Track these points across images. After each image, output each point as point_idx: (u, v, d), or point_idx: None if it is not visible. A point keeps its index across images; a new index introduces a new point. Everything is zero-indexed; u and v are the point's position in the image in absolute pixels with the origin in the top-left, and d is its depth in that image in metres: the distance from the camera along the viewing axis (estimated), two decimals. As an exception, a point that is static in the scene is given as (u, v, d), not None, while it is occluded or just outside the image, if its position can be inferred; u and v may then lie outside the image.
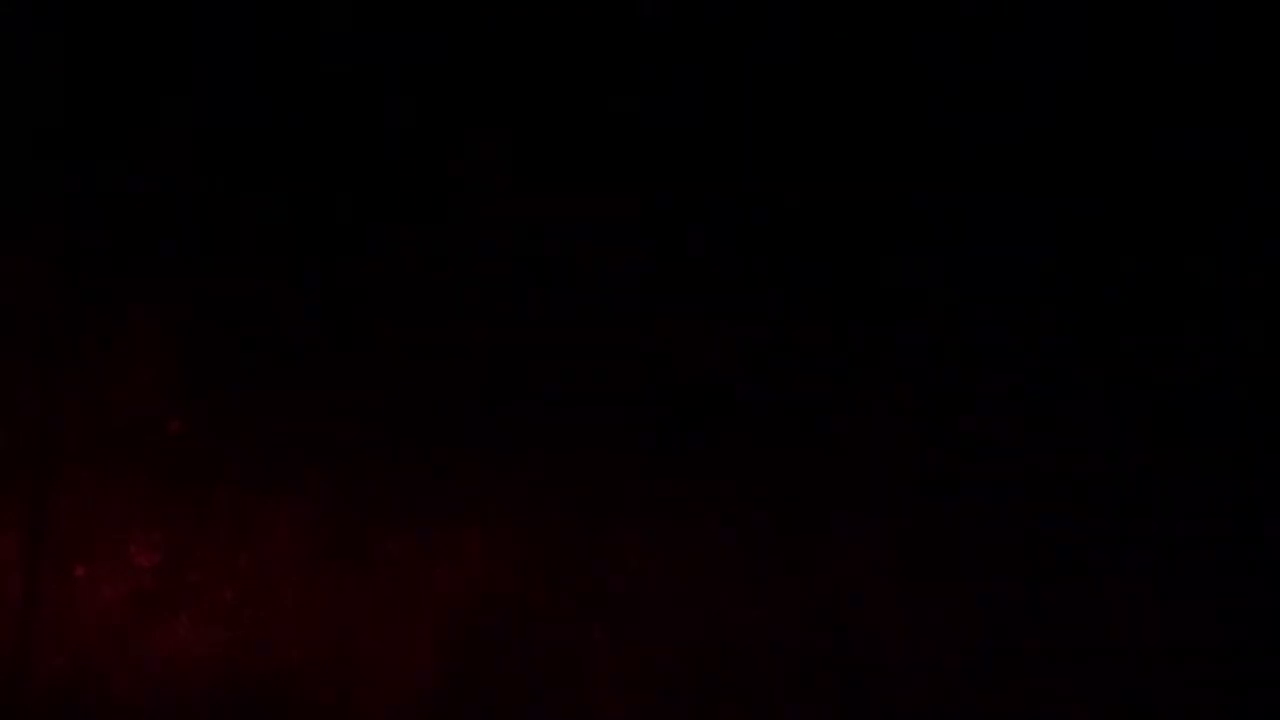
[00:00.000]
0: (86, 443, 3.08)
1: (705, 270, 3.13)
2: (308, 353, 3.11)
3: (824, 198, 3.13)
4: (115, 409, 3.09)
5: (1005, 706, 3.02)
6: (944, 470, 3.07)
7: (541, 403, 3.10)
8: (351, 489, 3.08)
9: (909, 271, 3.11)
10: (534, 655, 3.06)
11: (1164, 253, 3.11)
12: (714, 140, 3.16)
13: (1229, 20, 3.12)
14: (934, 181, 3.13)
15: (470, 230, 3.17)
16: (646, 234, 3.13)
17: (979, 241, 3.12)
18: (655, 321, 3.11)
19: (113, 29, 3.20)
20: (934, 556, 3.06)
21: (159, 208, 3.15)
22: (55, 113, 3.19)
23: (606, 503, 3.08)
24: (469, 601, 3.07)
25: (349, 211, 3.17)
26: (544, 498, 3.08)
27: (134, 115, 3.20)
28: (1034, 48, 3.15)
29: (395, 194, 3.18)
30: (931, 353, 3.09)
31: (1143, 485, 3.06)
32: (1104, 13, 3.14)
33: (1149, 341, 3.09)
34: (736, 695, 3.04)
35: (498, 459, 3.09)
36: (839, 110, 3.16)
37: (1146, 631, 3.03)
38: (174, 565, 3.07)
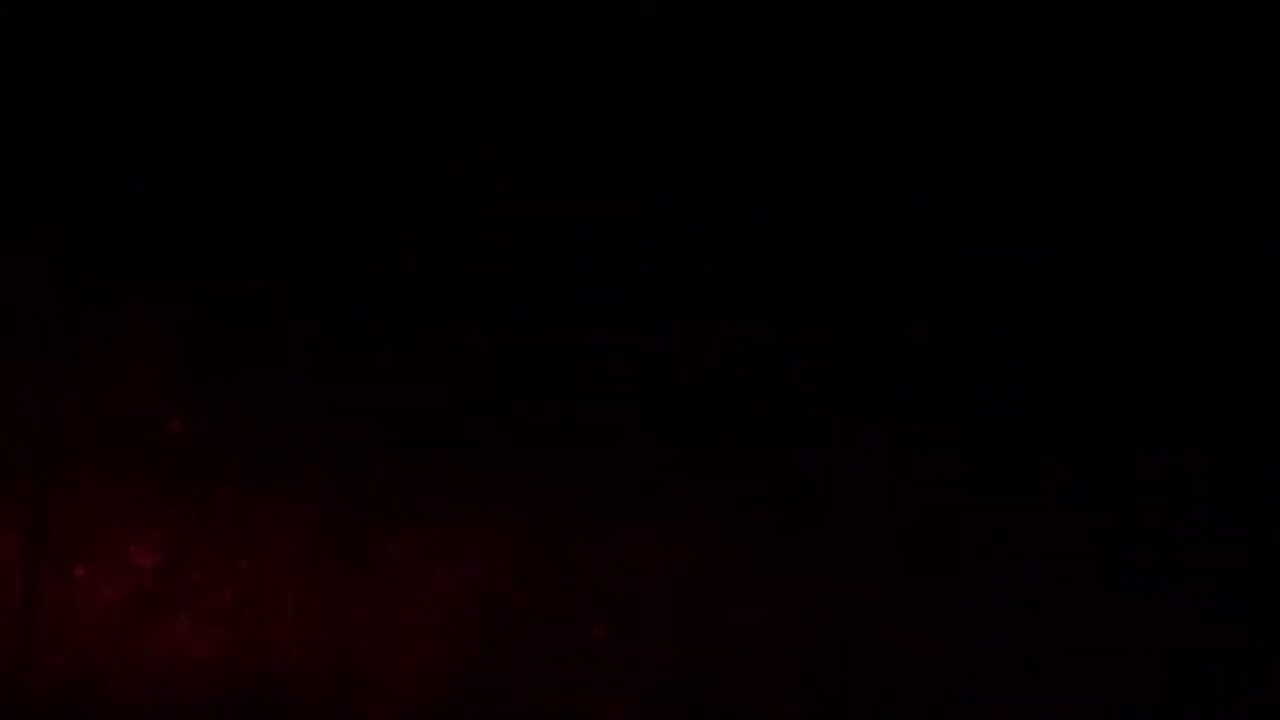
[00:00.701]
0: (86, 443, 3.08)
1: (705, 270, 3.12)
2: (308, 353, 3.11)
3: (824, 198, 3.13)
4: (115, 409, 3.09)
5: (1005, 706, 3.02)
6: (944, 470, 3.07)
7: (542, 403, 3.10)
8: (351, 489, 3.08)
9: (909, 271, 3.11)
10: (534, 655, 3.06)
11: (1164, 253, 3.10)
12: (714, 140, 3.15)
13: (1229, 20, 3.12)
14: (934, 181, 3.13)
15: (470, 230, 3.16)
16: (646, 234, 3.13)
17: (979, 241, 3.11)
18: (655, 321, 3.11)
19: (113, 29, 3.20)
20: (934, 556, 3.06)
21: (159, 208, 3.15)
22: (55, 113, 3.18)
23: (606, 503, 3.08)
24: (469, 601, 3.07)
25: (349, 211, 3.17)
26: (544, 498, 3.08)
27: (134, 115, 3.19)
28: (1034, 48, 3.15)
29: (395, 194, 3.18)
30: (932, 352, 3.09)
31: (1143, 484, 3.05)
32: (1104, 13, 3.14)
33: (1149, 341, 3.08)
34: (737, 695, 3.04)
35: (498, 459, 3.09)
36: (839, 110, 3.15)
37: (1148, 632, 3.03)
38: (174, 565, 3.07)
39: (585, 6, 3.17)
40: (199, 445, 3.08)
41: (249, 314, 3.12)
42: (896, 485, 3.07)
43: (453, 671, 3.05)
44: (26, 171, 3.16)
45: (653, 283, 3.12)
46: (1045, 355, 3.09)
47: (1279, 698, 3.00)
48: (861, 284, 3.12)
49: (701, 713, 3.04)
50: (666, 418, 3.09)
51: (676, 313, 3.11)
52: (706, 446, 3.08)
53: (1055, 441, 3.07)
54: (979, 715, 3.02)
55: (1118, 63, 3.14)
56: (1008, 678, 3.03)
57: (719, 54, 3.17)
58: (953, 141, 3.14)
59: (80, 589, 3.06)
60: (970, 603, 3.04)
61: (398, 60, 3.20)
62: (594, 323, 3.11)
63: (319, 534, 3.08)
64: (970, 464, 3.07)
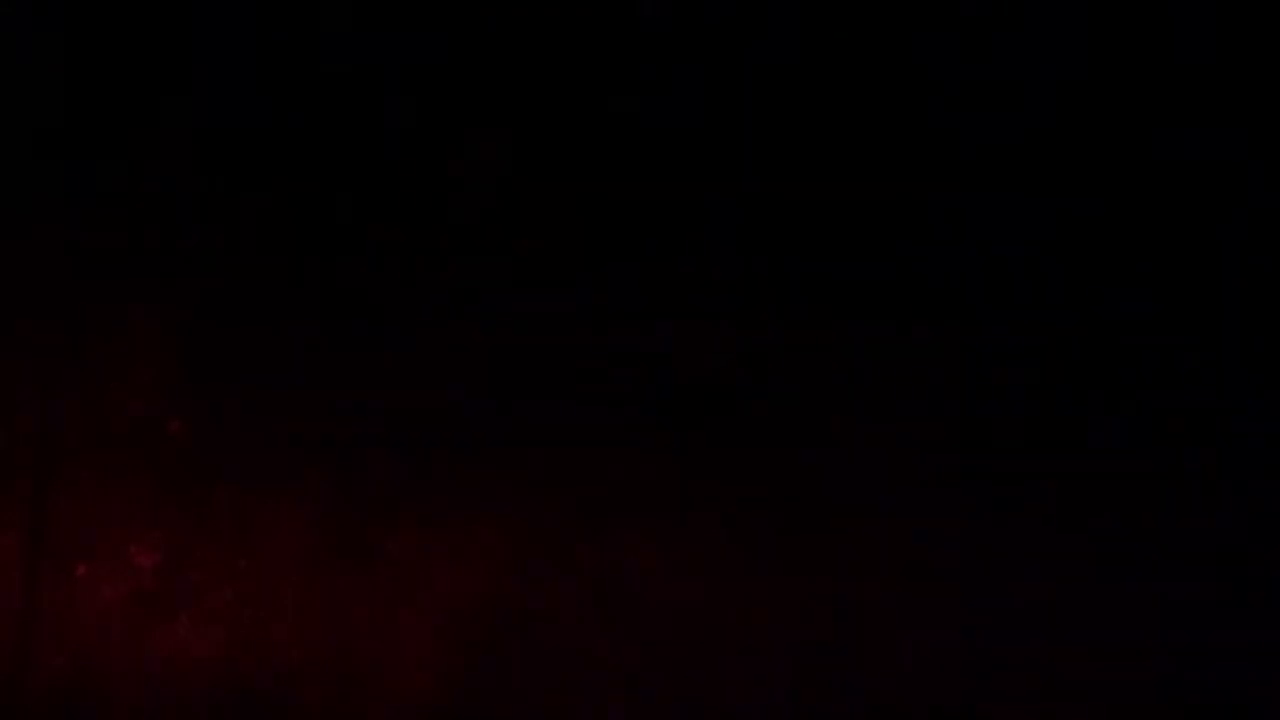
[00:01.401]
0: (86, 443, 3.08)
1: (705, 270, 3.12)
2: (308, 353, 3.11)
3: (824, 198, 3.13)
4: (115, 409, 3.09)
5: (1005, 705, 3.02)
6: (944, 470, 3.07)
7: (542, 403, 3.09)
8: (351, 489, 3.08)
9: (909, 271, 3.11)
10: (534, 655, 3.06)
11: (1164, 253, 3.10)
12: (714, 140, 3.15)
13: (1229, 20, 3.11)
14: (934, 181, 3.13)
15: (470, 230, 3.16)
16: (646, 234, 3.13)
17: (979, 241, 3.11)
18: (655, 321, 3.11)
19: (113, 29, 3.20)
20: (934, 556, 3.06)
21: (159, 208, 3.15)
22: (55, 113, 3.18)
23: (606, 503, 3.08)
24: (469, 601, 3.07)
25: (349, 211, 3.16)
26: (544, 498, 3.08)
27: (134, 115, 3.19)
28: (1034, 48, 3.15)
29: (395, 194, 3.17)
30: (932, 352, 3.09)
31: (1144, 483, 3.05)
32: (1104, 13, 3.14)
33: (1149, 341, 3.08)
34: (737, 694, 3.04)
35: (498, 459, 3.08)
36: (839, 110, 3.15)
37: (1151, 632, 3.03)
38: (174, 565, 3.07)
39: (585, 6, 3.17)
40: (199, 445, 3.08)
41: (249, 314, 3.11)
42: (896, 485, 3.07)
43: (453, 671, 3.05)
44: (26, 171, 3.15)
45: (653, 283, 3.12)
46: (1045, 355, 3.09)
47: (1279, 697, 3.00)
48: (861, 284, 3.12)
49: (701, 712, 3.04)
50: (666, 418, 3.09)
51: (676, 313, 3.11)
52: (706, 447, 3.08)
53: (1055, 441, 3.07)
54: (979, 714, 3.02)
55: (1118, 63, 3.14)
56: (1007, 677, 3.03)
57: (719, 54, 3.17)
58: (953, 141, 3.14)
59: (80, 589, 3.05)
60: (970, 602, 3.04)
61: (398, 60, 3.20)
62: (594, 323, 3.11)
63: (319, 534, 3.08)
64: (970, 464, 3.07)
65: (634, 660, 3.04)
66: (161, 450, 3.08)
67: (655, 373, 3.09)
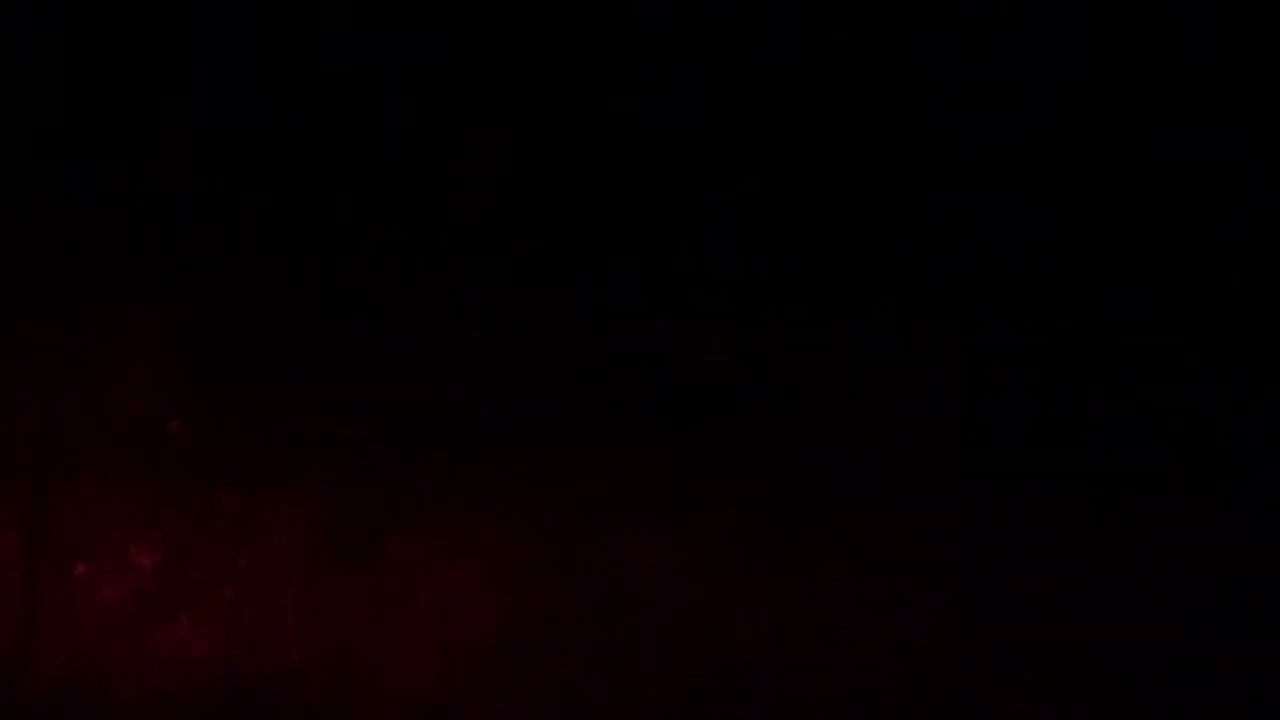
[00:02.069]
0: (86, 443, 3.08)
1: (705, 270, 3.12)
2: (308, 353, 3.11)
3: (824, 198, 3.13)
4: (115, 409, 3.09)
5: (1005, 703, 3.02)
6: (944, 470, 3.07)
7: (542, 403, 3.09)
8: (352, 489, 3.08)
9: (909, 271, 3.11)
10: (535, 655, 3.06)
11: (1164, 253, 3.10)
12: (714, 140, 3.15)
13: (1229, 20, 3.11)
14: (934, 181, 3.13)
15: (470, 230, 3.16)
16: (646, 234, 3.13)
17: (979, 241, 3.11)
18: (655, 321, 3.11)
19: (113, 29, 3.20)
20: (934, 556, 3.06)
21: (159, 208, 3.15)
22: (55, 113, 3.18)
23: (606, 503, 3.08)
24: (469, 602, 3.07)
25: (349, 211, 3.16)
26: (544, 498, 3.08)
27: (134, 115, 3.19)
28: (1034, 47, 3.15)
29: (395, 194, 3.17)
30: (932, 352, 3.09)
31: (1144, 483, 3.05)
32: (1104, 13, 3.14)
33: (1149, 341, 3.08)
34: (737, 693, 3.04)
35: (498, 459, 3.08)
36: (839, 110, 3.15)
37: (1152, 633, 3.03)
38: (174, 565, 3.07)
39: (585, 6, 3.17)
40: (199, 445, 3.08)
41: (249, 314, 3.11)
42: (896, 485, 3.07)
43: (453, 671, 3.05)
44: (26, 171, 3.15)
45: (653, 282, 3.12)
46: (1045, 355, 3.09)
47: (1278, 695, 3.00)
48: (861, 284, 3.12)
49: (703, 710, 3.04)
50: (666, 418, 3.09)
51: (676, 313, 3.11)
52: (706, 447, 3.08)
53: (1055, 441, 3.07)
54: (978, 712, 3.02)
55: (1118, 63, 3.14)
56: (1007, 677, 3.03)
57: (719, 54, 3.17)
58: (953, 141, 3.14)
59: (80, 588, 3.05)
60: (970, 601, 3.04)
61: (398, 60, 3.20)
62: (594, 323, 3.11)
63: (319, 534, 3.08)
64: (970, 464, 3.07)
65: (634, 660, 3.04)
66: (161, 450, 3.08)
67: (655, 373, 3.09)
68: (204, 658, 3.04)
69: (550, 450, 3.08)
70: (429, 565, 3.07)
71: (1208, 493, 3.05)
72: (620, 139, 3.16)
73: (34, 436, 3.08)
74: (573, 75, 3.18)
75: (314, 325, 3.11)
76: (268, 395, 3.09)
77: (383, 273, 3.14)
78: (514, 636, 3.06)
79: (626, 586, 3.06)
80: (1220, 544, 3.05)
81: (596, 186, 3.15)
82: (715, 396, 3.09)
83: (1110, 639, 3.03)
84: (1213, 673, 3.01)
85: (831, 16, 3.16)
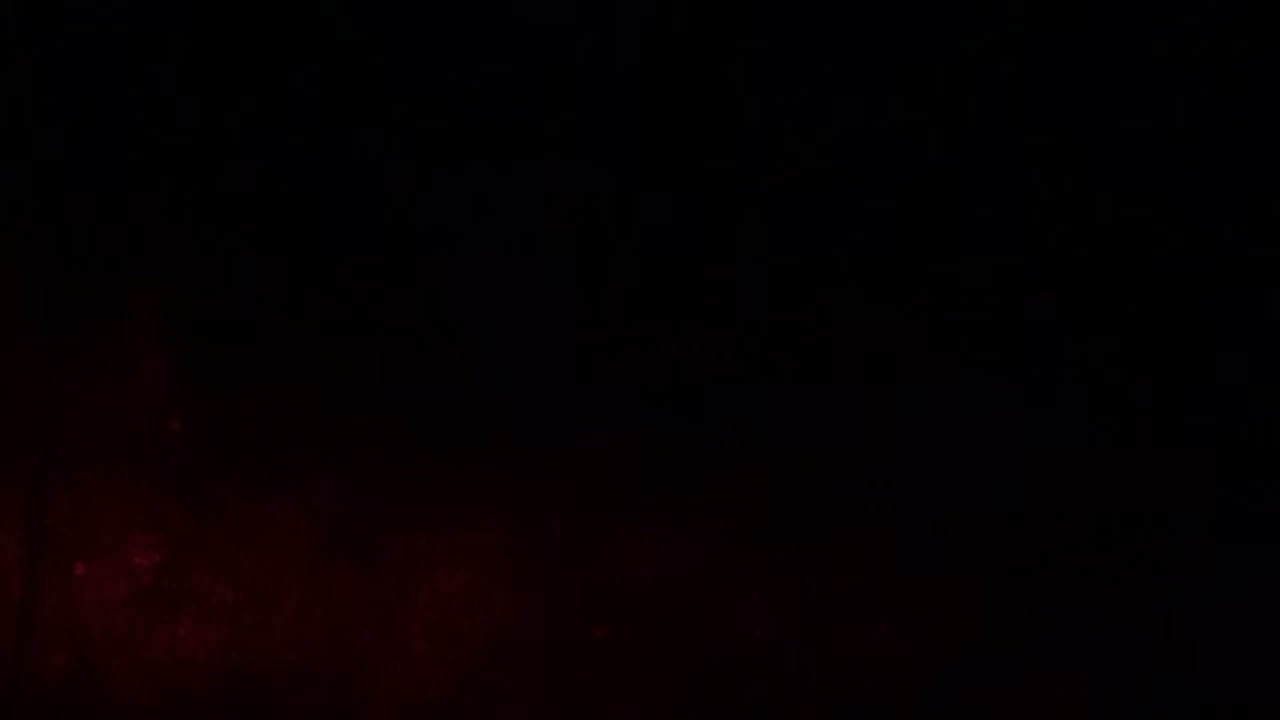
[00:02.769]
0: (86, 443, 3.08)
1: (703, 270, 3.12)
2: (308, 353, 3.11)
3: (823, 197, 3.13)
4: (115, 409, 3.09)
5: (1004, 707, 3.02)
6: (945, 471, 3.07)
7: (542, 403, 3.10)
8: (352, 489, 3.08)
9: (908, 269, 3.11)
10: (534, 656, 3.06)
11: (1164, 253, 3.11)
12: (709, 140, 3.15)
13: (1228, 19, 3.11)
14: (934, 181, 3.13)
15: (470, 229, 3.16)
16: (645, 233, 3.13)
17: (978, 241, 3.11)
18: (655, 322, 3.11)
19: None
20: (935, 557, 3.06)
21: (159, 207, 3.15)
22: (55, 112, 3.18)
23: (606, 503, 3.08)
24: (469, 602, 3.07)
25: (349, 211, 3.16)
26: (544, 498, 3.08)
27: (135, 114, 3.19)
28: (1033, 47, 3.14)
29: (395, 193, 3.17)
30: (932, 353, 3.09)
31: (1145, 485, 3.06)
32: (1104, 12, 3.14)
33: (1149, 341, 3.08)
34: (737, 694, 3.04)
35: (498, 459, 3.09)
36: (838, 110, 3.15)
37: (1152, 633, 3.03)
38: (174, 565, 3.07)
39: (580, 7, 3.17)
40: (199, 445, 3.08)
41: (249, 313, 3.11)
42: (897, 485, 3.07)
43: (453, 671, 3.05)
44: (25, 170, 3.15)
45: (652, 282, 3.12)
46: (1045, 355, 3.09)
47: (1278, 695, 3.01)
48: (861, 283, 3.12)
49: (702, 713, 3.04)
50: (666, 417, 3.09)
51: (675, 313, 3.11)
52: (706, 446, 3.08)
53: (1055, 441, 3.07)
54: (979, 713, 3.02)
55: (1117, 62, 3.14)
56: (1008, 677, 3.03)
57: (717, 53, 3.16)
58: (952, 141, 3.14)
59: (80, 588, 3.06)
60: (972, 604, 3.04)
61: (399, 61, 3.20)
62: (593, 322, 3.11)
63: (320, 534, 3.08)
64: (970, 464, 3.07)
65: (634, 660, 3.04)
66: (161, 450, 3.08)
67: (655, 373, 3.09)
68: (204, 658, 3.05)
69: (550, 450, 3.08)
70: (429, 565, 3.07)
71: (1208, 492, 3.05)
72: (620, 140, 3.16)
73: (34, 436, 3.08)
74: (566, 74, 3.18)
75: (314, 325, 3.11)
76: (268, 395, 3.09)
77: (383, 272, 3.13)
78: (513, 636, 3.06)
79: (624, 586, 3.06)
80: (1221, 544, 3.05)
81: (596, 186, 3.15)
82: (715, 396, 3.09)
83: (1111, 640, 3.03)
84: (1212, 672, 3.02)
85: (831, 16, 3.16)
